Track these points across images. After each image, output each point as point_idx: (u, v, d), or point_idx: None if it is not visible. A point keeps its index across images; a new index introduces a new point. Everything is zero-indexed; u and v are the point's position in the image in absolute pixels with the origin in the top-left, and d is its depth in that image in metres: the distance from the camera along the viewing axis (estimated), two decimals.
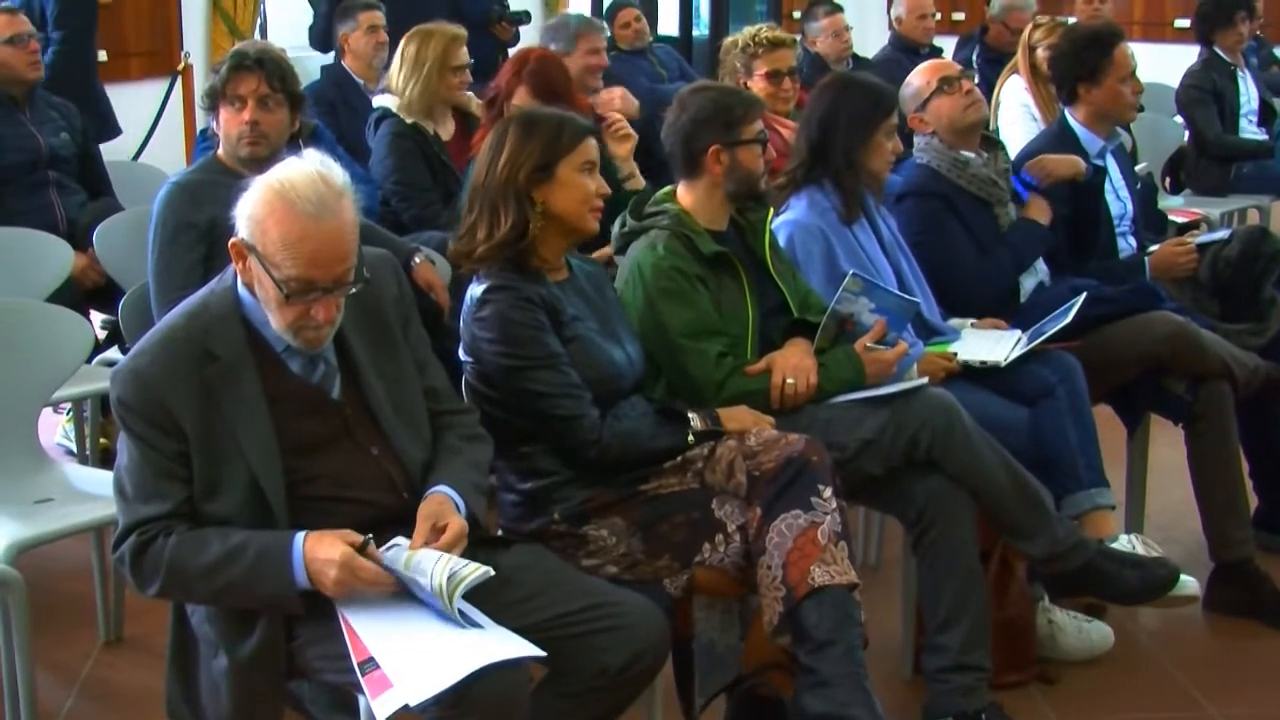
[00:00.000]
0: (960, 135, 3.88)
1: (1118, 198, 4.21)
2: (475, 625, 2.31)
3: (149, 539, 2.35)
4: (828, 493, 2.70)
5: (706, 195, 3.22)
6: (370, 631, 2.29)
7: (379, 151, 4.61)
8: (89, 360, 3.86)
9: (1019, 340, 3.55)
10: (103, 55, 6.49)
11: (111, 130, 5.94)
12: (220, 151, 3.61)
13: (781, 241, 3.42)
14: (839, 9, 6.70)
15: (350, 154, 4.75)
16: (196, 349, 2.38)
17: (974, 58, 6.97)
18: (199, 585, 2.36)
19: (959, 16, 10.86)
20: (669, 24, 11.04)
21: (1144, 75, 4.43)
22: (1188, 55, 6.79)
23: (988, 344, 3.55)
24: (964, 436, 3.01)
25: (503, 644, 2.27)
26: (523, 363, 2.77)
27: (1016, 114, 5.38)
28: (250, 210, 2.36)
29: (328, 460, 2.45)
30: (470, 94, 4.85)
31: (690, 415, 2.89)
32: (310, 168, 2.38)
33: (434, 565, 2.29)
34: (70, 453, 4.69)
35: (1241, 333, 3.87)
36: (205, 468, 2.36)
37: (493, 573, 2.32)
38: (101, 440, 4.37)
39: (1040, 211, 3.95)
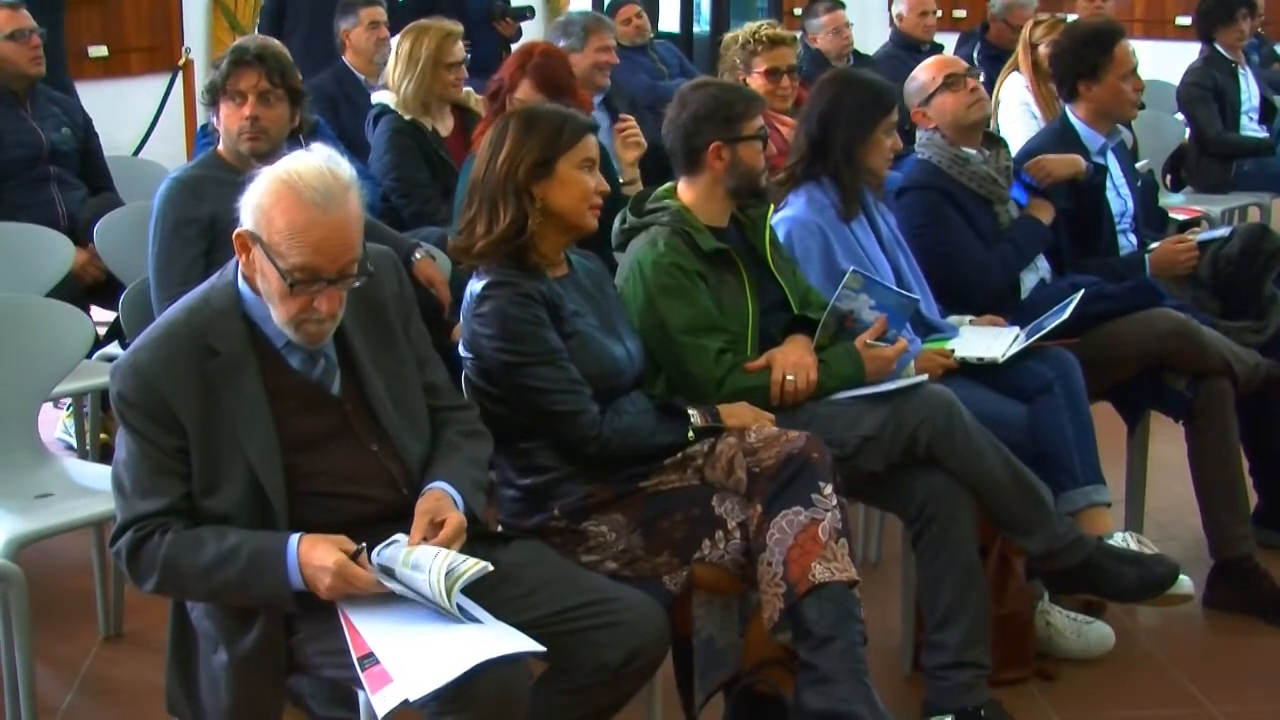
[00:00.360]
0: (962, 132, 3.88)
1: (1119, 195, 4.21)
2: (475, 620, 2.31)
3: (145, 535, 2.35)
4: (828, 489, 2.70)
5: (707, 192, 3.22)
6: (370, 627, 2.28)
7: (378, 148, 4.60)
8: (89, 355, 3.86)
9: (1016, 337, 3.55)
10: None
11: None
12: (221, 147, 3.60)
13: (780, 238, 3.42)
14: (840, 5, 6.67)
15: (351, 150, 4.72)
16: (197, 344, 2.38)
17: (975, 55, 6.96)
18: (195, 585, 2.36)
19: (960, 14, 10.86)
20: (670, 20, 11.04)
21: (1145, 72, 4.43)
22: (1189, 52, 6.78)
23: (985, 341, 3.55)
24: (964, 433, 3.01)
25: (502, 639, 2.27)
26: (522, 358, 2.77)
27: (1016, 111, 5.38)
28: (256, 200, 2.36)
29: (327, 456, 2.45)
30: (469, 89, 4.84)
31: (690, 412, 2.89)
32: (318, 160, 2.39)
33: (432, 561, 2.29)
34: (70, 448, 4.68)
35: (1242, 330, 3.87)
36: (205, 464, 2.36)
37: (491, 568, 2.31)
38: (102, 435, 4.36)
39: (1042, 210, 3.95)
